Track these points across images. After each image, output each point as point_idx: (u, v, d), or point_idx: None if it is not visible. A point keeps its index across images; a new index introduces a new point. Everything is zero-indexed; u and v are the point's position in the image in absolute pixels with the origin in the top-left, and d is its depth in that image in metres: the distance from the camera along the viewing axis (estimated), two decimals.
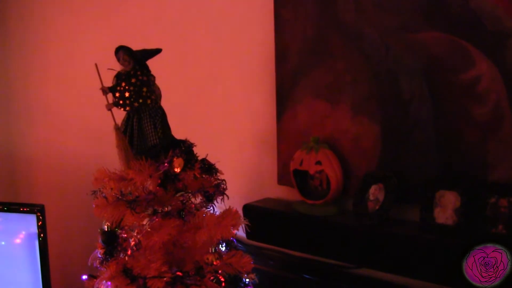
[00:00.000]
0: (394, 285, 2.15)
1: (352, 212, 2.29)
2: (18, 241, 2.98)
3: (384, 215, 2.16)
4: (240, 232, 2.50)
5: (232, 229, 1.98)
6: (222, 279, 1.97)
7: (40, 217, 2.90)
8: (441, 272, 2.01)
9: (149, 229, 1.95)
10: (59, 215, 3.35)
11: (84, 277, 2.22)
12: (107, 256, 2.06)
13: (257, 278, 2.08)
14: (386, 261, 2.15)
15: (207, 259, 1.94)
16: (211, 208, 2.06)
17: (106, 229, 2.11)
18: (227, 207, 2.04)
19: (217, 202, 2.06)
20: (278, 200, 2.68)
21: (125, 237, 2.08)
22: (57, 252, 3.08)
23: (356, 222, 2.23)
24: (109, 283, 2.02)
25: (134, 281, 1.92)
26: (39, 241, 2.91)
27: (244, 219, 2.05)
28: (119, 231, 2.10)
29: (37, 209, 2.90)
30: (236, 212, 2.02)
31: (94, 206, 2.04)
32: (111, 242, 2.09)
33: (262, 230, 2.52)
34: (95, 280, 2.13)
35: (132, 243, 2.00)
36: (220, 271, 1.97)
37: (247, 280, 2.05)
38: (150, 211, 1.98)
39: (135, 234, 1.99)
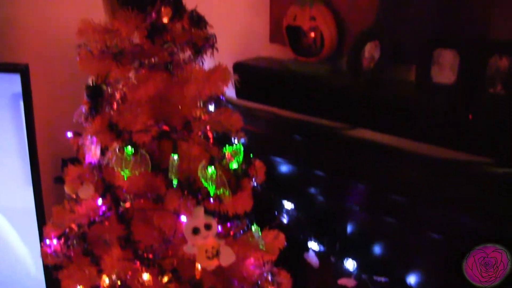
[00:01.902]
0: (389, 146, 2.11)
1: (346, 70, 2.23)
2: (2, 101, 2.91)
3: (378, 73, 2.10)
4: (230, 93, 2.44)
5: (221, 85, 1.91)
6: (210, 135, 1.93)
7: (24, 77, 2.82)
8: (436, 132, 1.97)
9: (135, 82, 1.87)
10: (44, 74, 3.26)
11: (69, 134, 2.17)
12: (92, 112, 1.99)
13: (247, 139, 2.04)
14: (381, 122, 2.10)
15: (195, 113, 1.89)
16: (200, 62, 1.98)
17: (91, 84, 2.03)
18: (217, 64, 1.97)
19: (206, 56, 1.97)
20: (270, 58, 2.61)
21: (111, 92, 2.01)
22: (43, 112, 3.02)
23: (350, 80, 2.18)
24: (94, 138, 1.97)
25: (119, 135, 1.87)
26: (24, 100, 2.84)
27: (234, 74, 1.97)
28: (104, 86, 2.02)
29: (21, 68, 2.81)
30: (226, 68, 1.94)
31: (78, 59, 1.96)
32: (96, 97, 2.01)
33: (253, 89, 2.46)
34: (79, 137, 2.09)
35: (118, 96, 1.92)
36: (208, 127, 1.92)
37: (236, 139, 2.00)
38: (136, 64, 1.90)
39: (121, 87, 1.92)
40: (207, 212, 1.88)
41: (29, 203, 2.90)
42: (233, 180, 1.95)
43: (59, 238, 2.06)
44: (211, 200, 1.91)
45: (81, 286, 2.01)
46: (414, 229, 2.06)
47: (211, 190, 1.85)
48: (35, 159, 2.84)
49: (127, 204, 1.94)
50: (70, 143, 2.16)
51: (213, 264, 1.84)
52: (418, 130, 2.02)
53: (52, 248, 2.07)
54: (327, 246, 2.27)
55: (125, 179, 1.89)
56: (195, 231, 1.80)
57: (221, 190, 1.88)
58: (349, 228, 2.26)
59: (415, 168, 2.00)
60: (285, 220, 2.38)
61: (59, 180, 2.76)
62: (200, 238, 1.81)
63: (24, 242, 3.06)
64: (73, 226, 2.03)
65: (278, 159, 2.41)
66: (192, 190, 1.89)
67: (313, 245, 2.31)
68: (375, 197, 2.15)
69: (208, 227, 1.81)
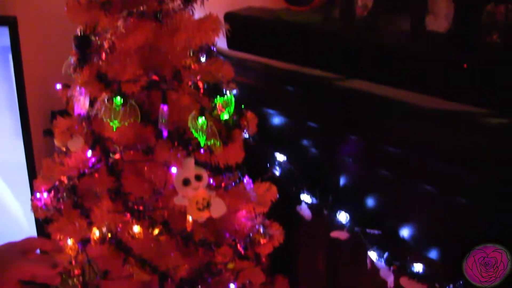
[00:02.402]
0: (383, 97, 2.07)
1: (339, 19, 2.19)
2: None
3: (372, 22, 2.06)
4: (221, 44, 2.40)
5: (212, 35, 1.87)
6: (201, 86, 1.89)
7: (13, 29, 2.77)
8: (431, 82, 1.94)
9: (123, 31, 1.83)
10: (33, 26, 3.21)
11: (58, 86, 2.14)
12: (81, 62, 1.96)
13: (239, 90, 2.01)
14: (375, 72, 2.06)
15: (185, 62, 1.85)
16: (190, 11, 1.93)
17: (79, 34, 1.99)
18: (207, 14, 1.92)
19: (196, 5, 1.92)
20: (261, 8, 2.56)
21: (99, 42, 1.97)
22: (32, 64, 2.98)
23: (343, 29, 2.14)
24: (83, 89, 1.94)
25: (108, 86, 1.84)
26: (13, 54, 2.80)
27: (225, 24, 1.94)
28: (93, 37, 1.98)
29: (9, 21, 2.76)
30: (217, 17, 1.90)
31: (66, 10, 1.92)
32: (85, 47, 1.98)
33: (244, 39, 2.42)
34: (68, 88, 2.06)
35: (106, 46, 1.88)
36: (198, 77, 1.89)
37: (228, 90, 1.97)
38: (124, 12, 1.85)
39: (109, 37, 1.88)
40: (198, 163, 1.86)
41: (20, 157, 2.88)
42: (224, 131, 1.93)
43: (49, 192, 2.04)
44: (202, 151, 1.89)
45: (71, 239, 2.00)
46: (408, 182, 2.05)
47: (202, 140, 1.83)
48: (25, 113, 2.81)
49: (117, 156, 1.92)
50: (59, 95, 2.14)
51: (204, 215, 1.83)
52: (412, 80, 1.98)
53: (43, 202, 2.05)
54: (320, 199, 2.25)
55: (114, 130, 1.87)
56: (186, 182, 1.78)
57: (212, 141, 1.86)
58: (342, 181, 2.25)
59: (409, 119, 1.97)
60: (277, 173, 2.36)
61: (49, 133, 2.73)
62: (190, 190, 1.79)
63: (16, 198, 3.04)
64: (63, 178, 2.01)
65: (271, 111, 2.38)
66: (183, 141, 1.87)
67: (305, 197, 2.29)
68: (369, 149, 2.13)
69: (198, 178, 1.79)
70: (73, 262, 2.00)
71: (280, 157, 2.36)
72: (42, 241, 1.30)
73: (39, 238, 1.72)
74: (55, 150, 2.13)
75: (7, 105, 2.88)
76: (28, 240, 1.29)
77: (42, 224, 2.11)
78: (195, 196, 1.80)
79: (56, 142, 2.09)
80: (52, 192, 2.03)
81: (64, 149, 2.07)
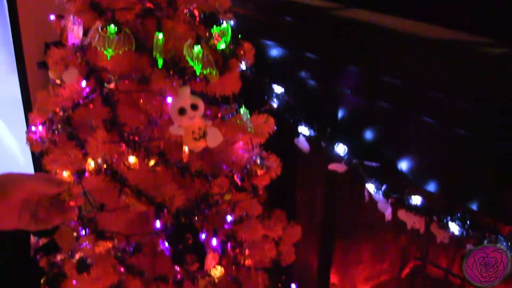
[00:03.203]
0: (383, 27, 2.03)
1: None
2: None
3: None
4: None
5: None
6: (197, 14, 1.85)
7: None
8: (432, 10, 1.90)
9: None
10: None
11: (52, 17, 2.09)
12: None
13: (236, 21, 1.97)
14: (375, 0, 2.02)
15: None
16: None
17: None
18: None
19: None
20: None
21: None
22: None
23: None
24: (76, 18, 1.89)
25: (102, 14, 1.80)
26: None
27: None
28: None
29: None
30: None
31: None
32: None
33: None
34: (62, 19, 2.01)
35: None
36: (194, 5, 1.84)
37: (224, 21, 1.92)
38: None
39: None
40: (194, 93, 1.83)
41: (15, 92, 2.86)
42: (221, 60, 1.89)
43: (44, 124, 2.02)
44: (198, 80, 1.86)
45: (67, 171, 1.97)
46: (407, 113, 2.02)
47: (197, 69, 1.79)
48: (19, 45, 2.78)
49: (112, 86, 1.89)
50: (53, 26, 2.09)
51: (200, 145, 1.81)
52: (412, 9, 1.94)
53: (38, 135, 2.03)
54: (318, 131, 2.23)
55: (109, 59, 1.83)
56: (181, 111, 1.76)
57: (208, 70, 1.82)
58: (340, 113, 2.22)
59: (409, 49, 1.93)
60: (275, 105, 2.33)
61: (43, 65, 2.70)
62: (186, 119, 1.76)
63: (12, 133, 3.04)
64: (58, 110, 1.98)
65: (268, 42, 2.34)
66: (178, 69, 1.83)
67: (303, 130, 2.27)
68: (368, 80, 2.10)
69: (194, 107, 1.76)
70: None
71: (278, 89, 2.33)
72: (50, 175, 1.30)
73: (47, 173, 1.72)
74: (50, 83, 2.10)
75: (0, 38, 2.85)
76: (37, 173, 1.29)
77: (38, 160, 2.10)
78: (191, 126, 1.78)
79: (51, 74, 2.05)
80: (47, 124, 2.01)
81: (58, 81, 2.04)
